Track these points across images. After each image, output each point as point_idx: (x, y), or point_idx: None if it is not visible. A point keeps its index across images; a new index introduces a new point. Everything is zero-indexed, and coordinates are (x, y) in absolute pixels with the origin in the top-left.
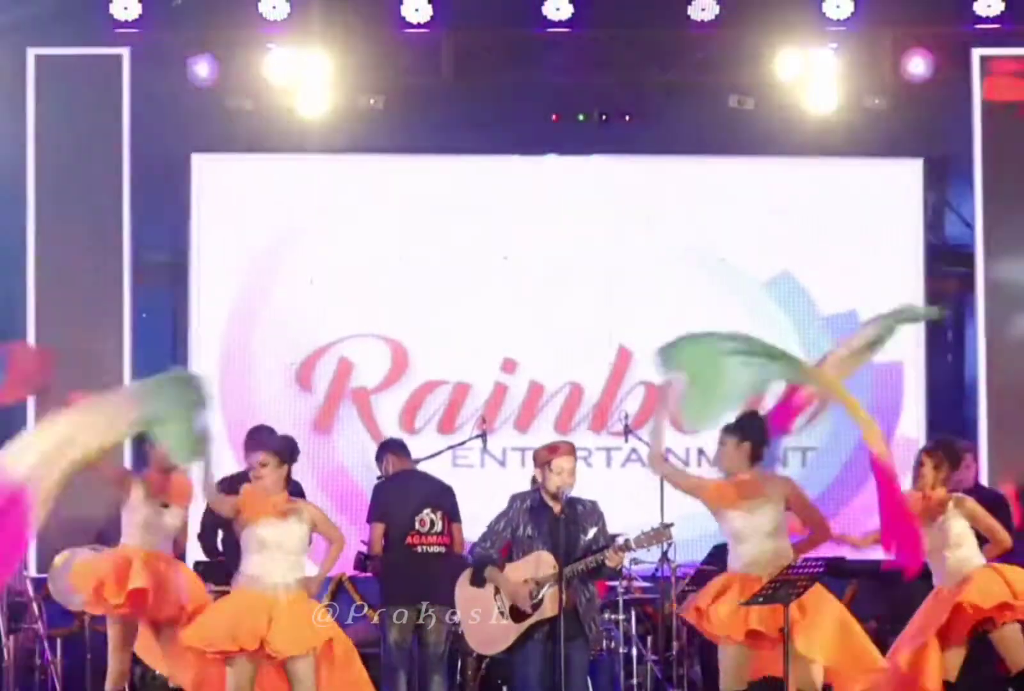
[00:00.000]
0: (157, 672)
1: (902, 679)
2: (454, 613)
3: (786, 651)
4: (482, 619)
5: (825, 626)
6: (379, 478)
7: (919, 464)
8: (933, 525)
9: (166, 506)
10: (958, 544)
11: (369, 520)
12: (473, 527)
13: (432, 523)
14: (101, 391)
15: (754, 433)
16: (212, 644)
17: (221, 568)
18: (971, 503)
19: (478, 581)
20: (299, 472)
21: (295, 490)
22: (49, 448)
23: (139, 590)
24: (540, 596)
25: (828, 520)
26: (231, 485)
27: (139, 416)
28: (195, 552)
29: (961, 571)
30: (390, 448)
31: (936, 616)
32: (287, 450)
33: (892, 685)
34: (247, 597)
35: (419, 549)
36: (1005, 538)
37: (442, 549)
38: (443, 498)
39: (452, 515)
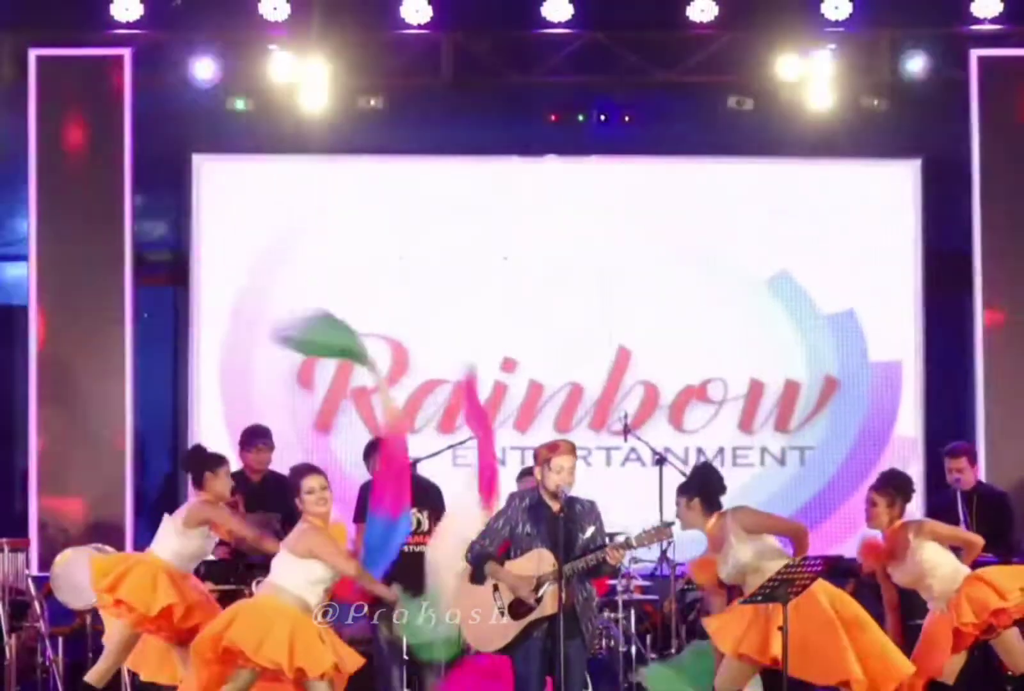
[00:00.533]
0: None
1: None
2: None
3: (784, 646)
4: (481, 617)
5: (826, 644)
6: (369, 479)
7: (872, 504)
8: (905, 561)
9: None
10: (935, 567)
11: (354, 520)
12: None
13: (419, 522)
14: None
15: (697, 487)
16: (257, 653)
17: (224, 567)
18: (928, 525)
19: (478, 578)
20: None
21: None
22: None
23: (168, 607)
24: (541, 594)
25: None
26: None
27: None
28: None
29: (949, 592)
30: (376, 449)
31: (941, 647)
32: None
33: None
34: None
35: (405, 549)
36: (975, 540)
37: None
38: (429, 497)
39: (439, 514)
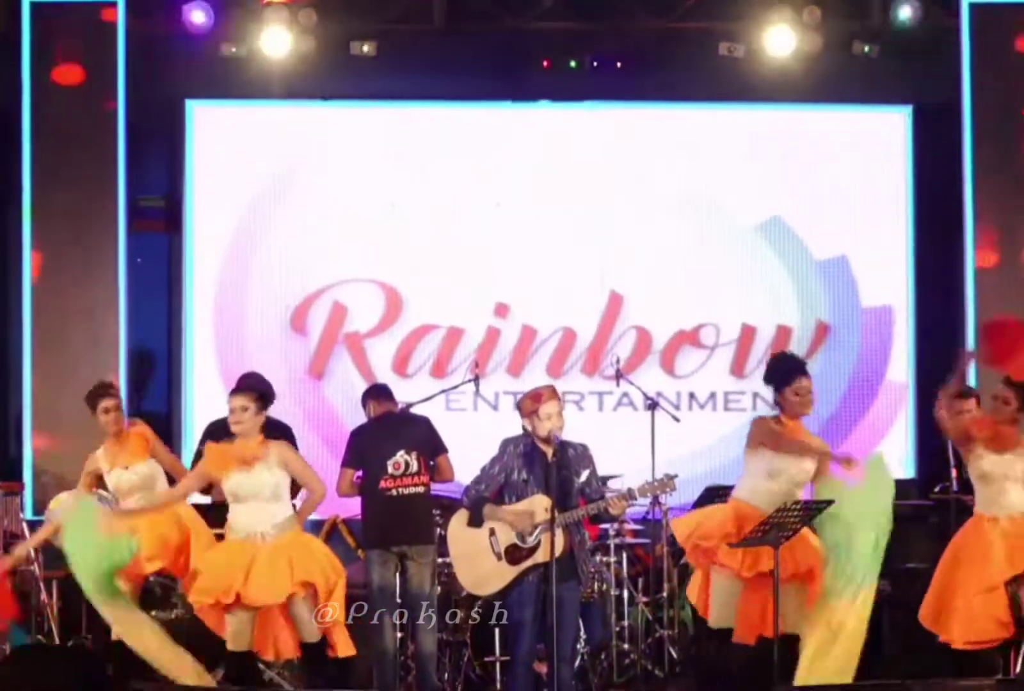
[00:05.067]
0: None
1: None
2: (440, 553)
3: (776, 591)
4: (476, 560)
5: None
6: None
7: (1004, 402)
8: (1000, 454)
9: (126, 468)
10: (1020, 480)
11: (343, 465)
12: (466, 470)
13: (407, 464)
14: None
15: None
16: (198, 600)
17: (216, 510)
18: None
19: (475, 522)
20: (292, 416)
21: (285, 434)
22: None
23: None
24: (537, 538)
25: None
26: (220, 429)
27: None
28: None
29: (1015, 506)
30: (371, 394)
31: (983, 551)
32: (267, 395)
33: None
34: (229, 549)
35: (393, 492)
36: None
37: (420, 489)
38: (418, 435)
39: (433, 450)
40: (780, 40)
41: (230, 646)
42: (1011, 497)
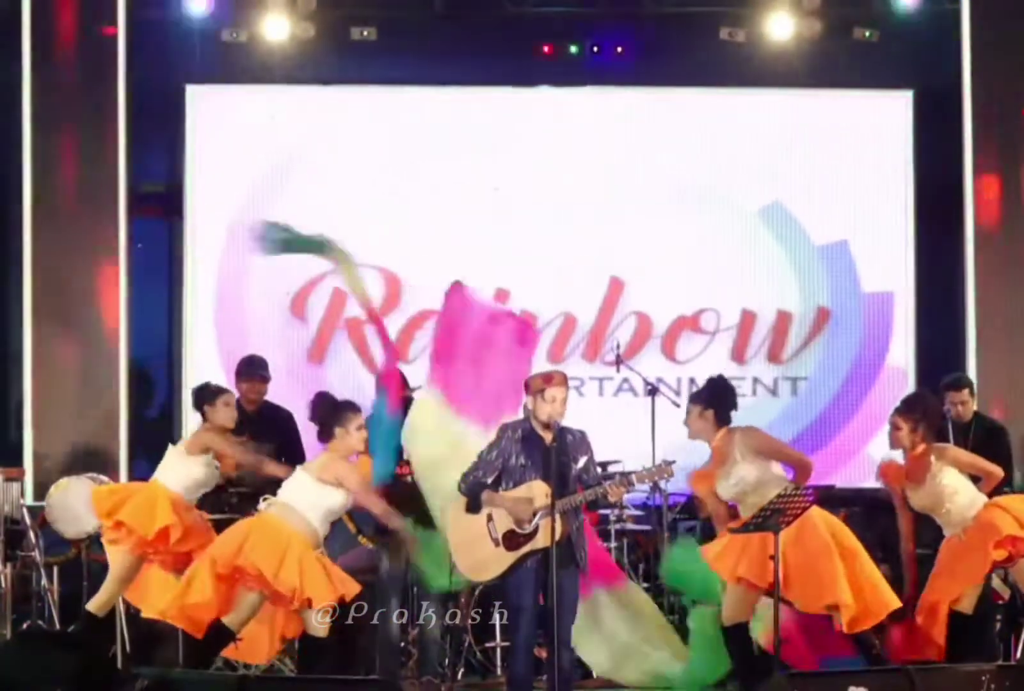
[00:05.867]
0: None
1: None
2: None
3: (776, 582)
4: (474, 546)
5: (821, 570)
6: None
7: (895, 428)
8: (925, 484)
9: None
10: (954, 493)
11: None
12: None
13: None
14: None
15: (713, 399)
16: (276, 578)
17: (218, 497)
18: (951, 451)
19: (473, 508)
20: (292, 402)
21: (287, 420)
22: None
23: (165, 528)
24: (535, 524)
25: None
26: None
27: None
28: None
29: (966, 518)
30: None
31: (957, 573)
32: None
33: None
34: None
35: (408, 478)
36: (994, 470)
37: None
38: None
39: None
40: (781, 25)
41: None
42: (954, 516)
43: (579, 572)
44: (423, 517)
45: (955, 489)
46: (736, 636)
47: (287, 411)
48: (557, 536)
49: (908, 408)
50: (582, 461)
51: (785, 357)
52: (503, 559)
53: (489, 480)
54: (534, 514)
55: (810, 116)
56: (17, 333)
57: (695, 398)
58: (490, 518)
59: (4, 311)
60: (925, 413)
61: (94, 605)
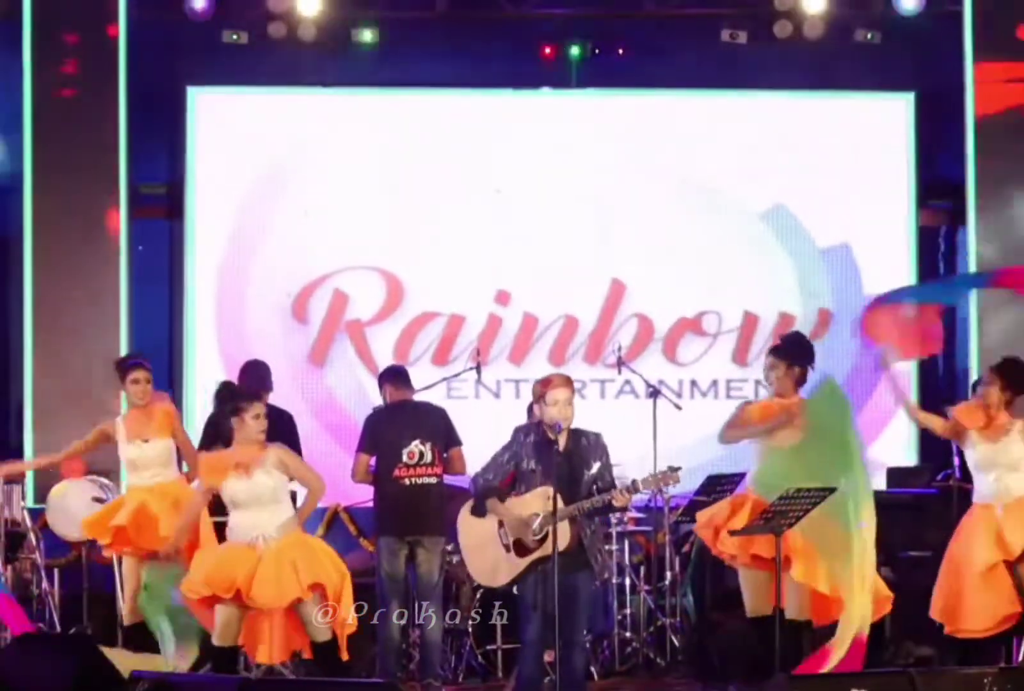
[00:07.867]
0: None
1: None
2: (448, 543)
3: (778, 580)
4: (486, 550)
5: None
6: (375, 408)
7: (987, 382)
8: (995, 443)
9: (147, 441)
10: (1015, 467)
11: (359, 450)
12: (468, 458)
13: (421, 455)
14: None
15: (804, 358)
16: (192, 591)
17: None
18: None
19: (479, 512)
20: (294, 404)
21: (286, 421)
22: None
23: (120, 527)
24: (546, 531)
25: None
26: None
27: None
28: None
29: (1011, 493)
30: (389, 378)
31: (978, 536)
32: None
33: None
34: (230, 548)
35: (407, 481)
36: None
37: (433, 479)
38: (434, 426)
39: (447, 441)
40: (783, 26)
41: (217, 641)
42: (1006, 485)
43: (593, 575)
44: (418, 520)
45: (1018, 464)
46: (761, 629)
47: (287, 413)
48: (564, 543)
49: (1001, 366)
50: (596, 466)
51: None
52: (514, 565)
53: (498, 482)
54: (534, 535)
55: (812, 118)
56: (18, 334)
57: (783, 355)
58: (501, 524)
59: (5, 312)
60: (1013, 379)
61: (127, 618)
